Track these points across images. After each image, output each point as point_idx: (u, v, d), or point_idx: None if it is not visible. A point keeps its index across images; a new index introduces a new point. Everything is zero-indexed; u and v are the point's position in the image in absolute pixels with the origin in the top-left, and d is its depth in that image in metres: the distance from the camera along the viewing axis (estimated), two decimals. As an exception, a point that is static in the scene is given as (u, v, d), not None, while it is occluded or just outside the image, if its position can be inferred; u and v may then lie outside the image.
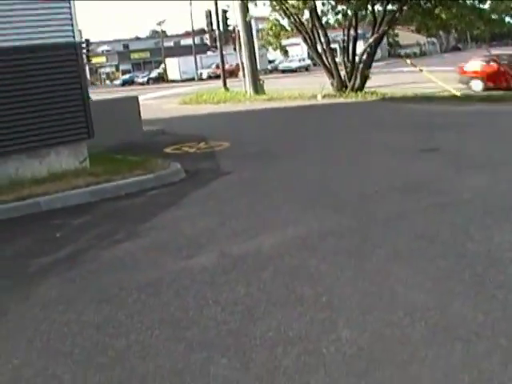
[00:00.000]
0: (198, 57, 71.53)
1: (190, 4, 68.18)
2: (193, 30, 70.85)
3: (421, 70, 25.84)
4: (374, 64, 25.60)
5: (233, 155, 12.50)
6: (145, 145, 14.81)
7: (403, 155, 10.76)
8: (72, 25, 9.85)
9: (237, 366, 3.87)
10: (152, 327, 4.52)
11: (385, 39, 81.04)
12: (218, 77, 46.71)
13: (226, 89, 35.22)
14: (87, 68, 57.38)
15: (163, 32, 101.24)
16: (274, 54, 52.48)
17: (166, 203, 8.57)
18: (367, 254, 5.71)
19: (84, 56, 45.93)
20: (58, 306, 5.11)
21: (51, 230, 7.51)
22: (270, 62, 66.68)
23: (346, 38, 24.38)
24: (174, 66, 75.16)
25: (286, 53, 28.11)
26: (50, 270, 6.11)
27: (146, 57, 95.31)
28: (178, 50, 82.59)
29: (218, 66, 54.80)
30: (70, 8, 9.84)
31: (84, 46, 46.00)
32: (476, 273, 4.99)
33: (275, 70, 65.26)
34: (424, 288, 4.77)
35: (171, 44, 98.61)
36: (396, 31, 52.59)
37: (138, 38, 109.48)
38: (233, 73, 51.76)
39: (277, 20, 25.14)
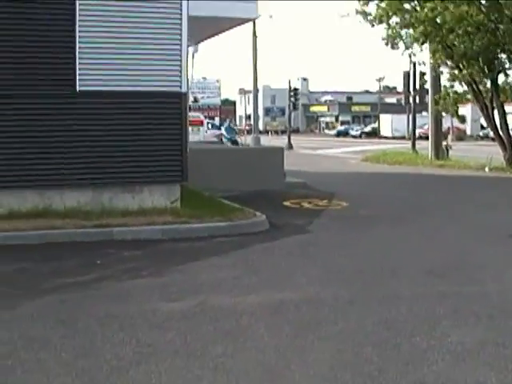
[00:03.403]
0: (411, 116, 71.11)
1: (411, 63, 67.72)
2: (408, 89, 70.62)
3: None
4: None
5: (338, 216, 12.71)
6: (273, 195, 15.32)
7: (491, 238, 10.28)
8: (180, 76, 10.86)
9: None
10: (61, 347, 5.09)
11: None
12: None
13: (415, 151, 34.83)
14: (300, 113, 59.71)
15: (387, 87, 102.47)
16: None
17: (218, 251, 9.11)
18: (320, 331, 5.73)
19: (292, 103, 48.47)
20: (20, 321, 5.87)
21: (98, 257, 8.39)
22: (483, 127, 64.25)
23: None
24: (387, 123, 75.59)
25: (463, 120, 27.45)
26: (56, 290, 6.95)
27: (367, 110, 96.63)
28: (397, 108, 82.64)
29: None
30: (180, 61, 10.87)
31: (292, 94, 48.61)
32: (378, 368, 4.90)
33: (486, 137, 62.60)
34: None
35: (394, 101, 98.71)
36: None
37: (367, 92, 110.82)
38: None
39: (451, 87, 24.68)
